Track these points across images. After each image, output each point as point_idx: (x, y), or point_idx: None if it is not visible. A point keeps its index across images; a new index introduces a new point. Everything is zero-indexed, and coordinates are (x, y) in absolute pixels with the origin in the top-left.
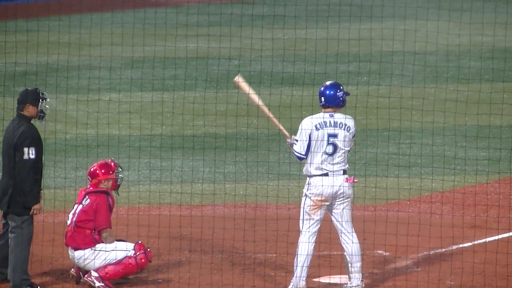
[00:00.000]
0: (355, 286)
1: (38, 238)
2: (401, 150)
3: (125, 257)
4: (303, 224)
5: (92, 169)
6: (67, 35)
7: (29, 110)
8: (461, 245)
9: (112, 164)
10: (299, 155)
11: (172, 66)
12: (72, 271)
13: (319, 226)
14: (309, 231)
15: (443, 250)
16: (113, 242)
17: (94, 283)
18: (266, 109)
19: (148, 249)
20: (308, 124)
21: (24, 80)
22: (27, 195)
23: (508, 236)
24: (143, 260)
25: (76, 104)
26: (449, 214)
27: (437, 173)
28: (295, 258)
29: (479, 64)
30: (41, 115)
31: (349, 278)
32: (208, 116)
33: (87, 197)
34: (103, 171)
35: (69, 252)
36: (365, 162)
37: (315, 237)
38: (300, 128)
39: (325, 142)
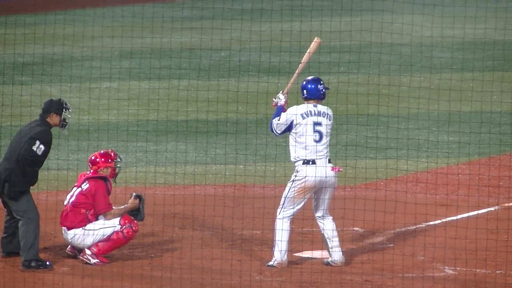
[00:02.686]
0: (336, 260)
1: (41, 216)
2: (378, 134)
3: (113, 232)
4: (283, 204)
5: (93, 157)
6: (71, 28)
7: (53, 119)
8: (433, 222)
9: (112, 154)
10: (274, 132)
11: (167, 57)
12: (68, 250)
13: (298, 208)
14: (287, 212)
15: (417, 226)
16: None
17: (90, 260)
18: (300, 68)
19: (133, 220)
20: (292, 111)
21: (31, 69)
22: (29, 177)
23: (477, 214)
24: (130, 233)
25: (79, 92)
26: (423, 193)
27: (411, 156)
28: (274, 233)
29: (449, 55)
30: (63, 124)
31: (330, 254)
32: (200, 103)
33: (86, 182)
34: (103, 159)
35: (63, 232)
36: (345, 145)
37: (292, 216)
38: (285, 113)
39: (311, 130)
